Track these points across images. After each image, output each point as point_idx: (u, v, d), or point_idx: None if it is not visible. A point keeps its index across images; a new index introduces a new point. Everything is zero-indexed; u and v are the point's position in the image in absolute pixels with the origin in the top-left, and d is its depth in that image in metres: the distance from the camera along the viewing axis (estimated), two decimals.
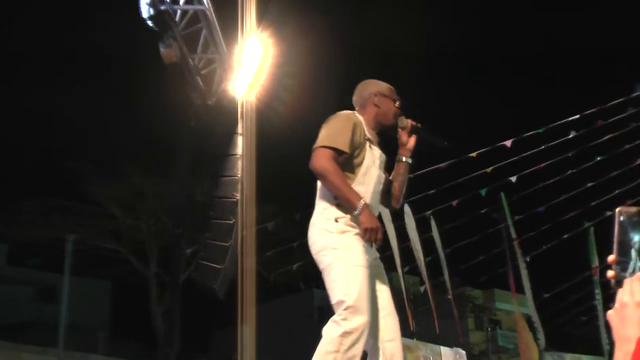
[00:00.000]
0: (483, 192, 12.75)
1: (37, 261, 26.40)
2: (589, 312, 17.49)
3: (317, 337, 3.33)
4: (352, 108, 3.78)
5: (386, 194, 3.73)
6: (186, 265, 17.24)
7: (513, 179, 12.67)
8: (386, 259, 11.93)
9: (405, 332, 12.92)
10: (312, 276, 14.75)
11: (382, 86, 3.80)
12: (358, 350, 3.22)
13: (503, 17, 41.73)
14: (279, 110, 10.13)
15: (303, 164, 3.53)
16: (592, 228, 14.52)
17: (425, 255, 12.16)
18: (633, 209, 1.32)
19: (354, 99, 3.82)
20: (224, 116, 8.91)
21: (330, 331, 3.22)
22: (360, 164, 3.52)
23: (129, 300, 25.97)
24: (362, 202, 3.33)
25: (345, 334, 3.19)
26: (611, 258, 1.31)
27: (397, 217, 11.79)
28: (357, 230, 3.38)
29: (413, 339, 11.28)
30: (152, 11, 8.03)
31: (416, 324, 11.75)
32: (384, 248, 11.69)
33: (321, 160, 3.37)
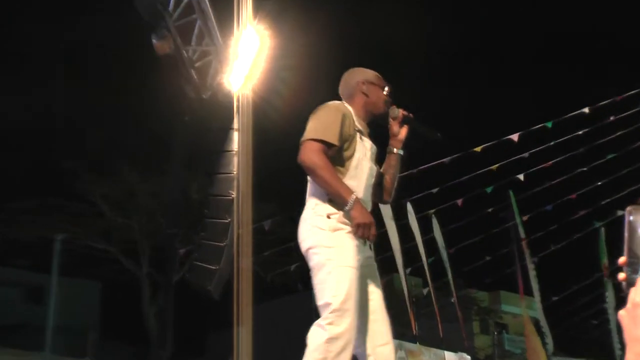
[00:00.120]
0: (489, 189, 12.75)
1: (25, 261, 26.40)
2: (599, 316, 17.49)
3: None
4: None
5: (378, 187, 3.69)
6: (180, 265, 17.30)
7: (520, 176, 12.65)
8: (388, 259, 11.98)
9: (408, 335, 12.96)
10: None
11: (369, 74, 3.77)
12: (346, 356, 3.18)
13: (509, 4, 41.76)
14: (277, 104, 10.14)
15: None
16: (602, 228, 14.53)
17: (429, 255, 12.19)
18: None
19: (340, 89, 3.78)
20: (220, 111, 8.92)
21: (315, 337, 3.18)
22: (351, 157, 3.47)
23: (120, 301, 26.00)
24: (353, 196, 3.29)
25: (331, 339, 3.14)
26: (622, 260, 1.29)
27: (401, 216, 11.83)
28: (350, 228, 3.35)
29: (416, 343, 11.32)
30: (144, 1, 8.04)
31: (419, 328, 11.79)
32: (385, 248, 11.75)
33: (310, 154, 3.34)
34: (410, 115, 3.73)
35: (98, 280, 27.40)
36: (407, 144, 3.76)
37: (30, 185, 21.73)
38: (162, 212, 19.86)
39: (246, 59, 8.22)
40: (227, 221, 8.25)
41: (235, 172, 8.12)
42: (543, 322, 13.78)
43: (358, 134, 3.53)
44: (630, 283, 1.28)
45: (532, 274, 13.72)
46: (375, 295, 3.48)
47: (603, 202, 13.92)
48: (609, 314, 15.59)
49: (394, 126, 3.74)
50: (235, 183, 7.84)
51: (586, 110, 11.91)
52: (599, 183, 13.59)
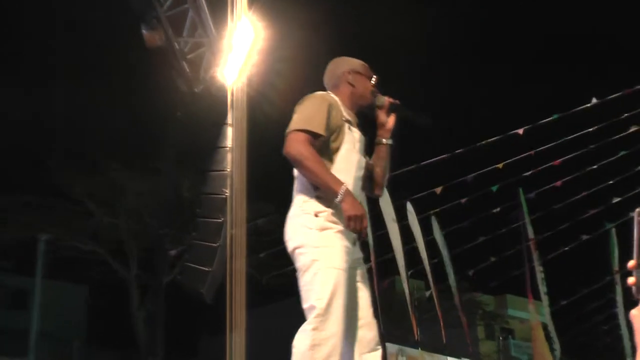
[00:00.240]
0: (494, 188, 12.76)
1: (6, 263, 26.39)
2: (610, 321, 17.51)
3: None
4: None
5: (368, 181, 3.67)
6: (170, 267, 17.32)
7: (527, 175, 12.67)
8: (389, 261, 12.02)
9: (410, 341, 12.99)
10: None
11: (355, 63, 3.76)
12: None
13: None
14: (273, 98, 10.15)
15: None
16: (613, 229, 14.55)
17: (431, 257, 12.21)
18: None
19: (325, 79, 3.77)
20: (213, 105, 8.93)
21: (300, 344, 3.16)
22: (338, 149, 3.45)
23: (108, 304, 26.00)
24: (343, 188, 3.26)
25: (316, 346, 3.11)
26: (631, 263, 1.30)
27: (403, 217, 11.85)
28: (339, 227, 3.32)
29: (418, 348, 11.36)
30: None
31: (421, 332, 11.82)
32: (386, 250, 11.77)
33: (296, 144, 3.31)
34: (397, 101, 3.72)
35: (84, 283, 27.44)
36: (395, 133, 3.73)
37: (12, 182, 21.67)
38: (151, 211, 19.85)
39: (240, 51, 8.23)
40: (220, 221, 8.25)
41: (228, 170, 8.13)
42: (551, 328, 13.81)
43: (346, 124, 3.51)
44: None
45: (540, 276, 13.73)
46: (364, 299, 3.45)
47: (614, 202, 13.92)
48: (619, 319, 15.63)
49: (381, 115, 3.72)
50: (228, 181, 7.85)
51: (594, 100, 11.85)
52: (611, 182, 13.59)
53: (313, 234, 3.30)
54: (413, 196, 12.23)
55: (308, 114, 3.41)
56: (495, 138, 11.95)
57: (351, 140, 3.51)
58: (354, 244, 3.44)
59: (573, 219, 14.18)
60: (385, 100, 3.70)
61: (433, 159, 11.85)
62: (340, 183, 3.27)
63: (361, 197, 3.54)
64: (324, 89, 3.71)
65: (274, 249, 13.67)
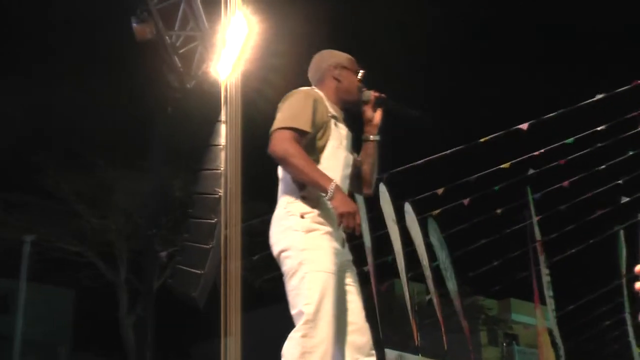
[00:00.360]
0: (497, 188, 12.78)
1: None
2: (618, 326, 17.54)
3: None
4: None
5: (356, 179, 3.68)
6: (161, 270, 17.30)
7: (531, 174, 12.69)
8: (388, 263, 12.05)
9: (410, 347, 13.02)
10: None
11: (341, 57, 3.75)
12: None
13: None
14: (268, 94, 10.17)
15: None
16: (621, 231, 14.58)
17: (432, 260, 12.22)
18: None
19: (310, 73, 3.77)
20: (205, 101, 8.95)
21: (289, 353, 3.15)
22: (324, 146, 3.45)
23: (95, 309, 25.96)
24: (333, 184, 3.24)
25: (306, 354, 3.11)
26: (638, 268, 1.30)
27: (404, 217, 11.87)
28: (326, 229, 3.34)
29: (418, 354, 11.38)
30: None
31: (422, 338, 11.84)
32: (386, 251, 11.79)
33: (281, 143, 3.29)
34: (383, 95, 3.72)
35: (71, 287, 27.40)
36: (382, 128, 3.74)
37: None
38: (141, 211, 19.83)
39: (234, 46, 8.25)
40: (213, 221, 8.28)
41: (222, 168, 8.16)
42: (556, 333, 13.84)
43: (332, 120, 3.51)
44: None
45: (546, 279, 13.75)
46: (355, 303, 3.44)
47: (623, 201, 13.95)
48: (628, 325, 15.67)
49: (368, 111, 3.72)
50: (222, 180, 7.88)
51: (600, 96, 11.84)
52: (619, 181, 13.61)
53: (299, 236, 3.30)
54: (412, 196, 12.25)
55: (292, 111, 3.40)
56: (497, 134, 11.95)
57: (337, 137, 3.51)
58: (342, 245, 3.46)
59: (580, 220, 14.21)
60: (371, 94, 3.70)
61: (434, 156, 11.87)
62: (330, 179, 3.27)
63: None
64: None
65: (268, 251, 13.70)
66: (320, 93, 3.59)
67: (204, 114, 8.98)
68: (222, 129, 8.40)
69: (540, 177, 12.92)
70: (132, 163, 19.49)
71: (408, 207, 11.93)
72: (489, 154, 12.48)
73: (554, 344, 13.78)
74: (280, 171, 3.50)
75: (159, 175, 9.22)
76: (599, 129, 12.45)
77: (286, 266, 3.32)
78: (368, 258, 11.12)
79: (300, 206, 3.35)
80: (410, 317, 11.77)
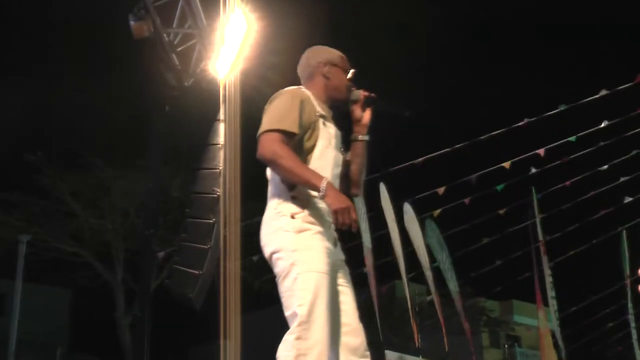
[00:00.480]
0: (500, 188, 12.78)
1: None
2: (621, 328, 17.53)
3: None
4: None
5: (344, 179, 3.65)
6: (158, 271, 17.29)
7: (535, 173, 12.68)
8: (389, 264, 12.05)
9: (411, 348, 13.03)
10: None
11: (332, 54, 3.73)
12: None
13: None
14: (267, 93, 10.17)
15: None
16: (624, 231, 14.56)
17: (433, 261, 12.23)
18: None
19: (299, 69, 3.75)
20: (204, 100, 8.95)
21: (284, 355, 3.15)
22: (313, 147, 3.45)
23: (92, 310, 25.99)
24: (325, 181, 3.22)
25: (300, 356, 3.11)
26: None
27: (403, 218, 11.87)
28: (317, 229, 3.33)
29: (419, 356, 11.39)
30: None
31: (422, 340, 11.84)
32: (386, 252, 11.78)
33: (269, 146, 3.29)
34: (373, 94, 3.70)
35: (67, 287, 27.40)
36: (372, 127, 3.71)
37: None
38: (139, 211, 19.84)
39: (233, 44, 8.25)
40: (211, 221, 8.27)
41: (220, 168, 8.15)
42: (559, 335, 13.84)
43: (321, 120, 3.50)
44: None
45: (549, 280, 13.75)
46: (348, 304, 3.43)
47: (626, 201, 13.95)
48: (631, 327, 15.66)
49: (357, 110, 3.69)
50: (221, 179, 7.87)
51: (603, 92, 11.82)
52: (622, 179, 13.60)
53: (290, 237, 3.30)
54: (412, 196, 12.26)
55: (279, 112, 3.39)
56: (499, 131, 11.94)
57: (326, 137, 3.50)
58: (334, 244, 3.45)
59: (583, 220, 14.21)
60: (360, 94, 3.68)
61: (434, 154, 11.87)
62: (321, 177, 3.25)
63: None
64: None
65: None
66: (308, 92, 3.57)
67: (202, 113, 8.98)
68: (221, 127, 8.39)
69: (542, 176, 12.92)
70: (129, 162, 19.51)
71: (407, 207, 11.93)
72: (490, 153, 12.49)
73: (556, 345, 13.78)
74: (269, 172, 3.50)
75: (157, 175, 9.21)
76: (602, 126, 12.45)
77: (278, 267, 3.32)
78: (368, 259, 11.12)
79: (291, 207, 3.35)
80: (411, 318, 11.77)
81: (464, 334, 13.18)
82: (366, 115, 3.70)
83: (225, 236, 5.70)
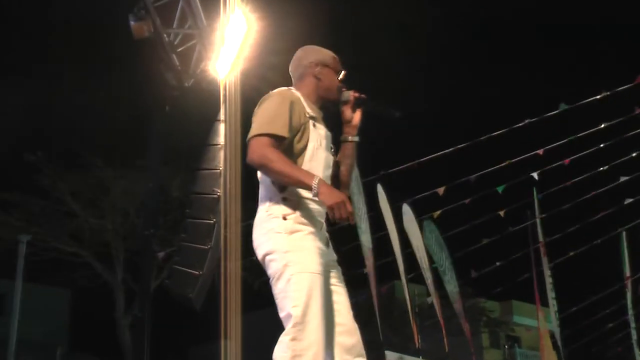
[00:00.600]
0: (500, 189, 12.78)
1: None
2: (621, 329, 17.53)
3: None
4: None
5: (334, 179, 3.64)
6: (158, 271, 17.31)
7: (535, 175, 12.68)
8: (389, 265, 12.05)
9: (411, 349, 13.02)
10: None
11: (324, 54, 3.72)
12: None
13: None
14: (267, 93, 10.16)
15: None
16: (624, 232, 14.56)
17: (432, 262, 12.22)
18: None
19: (291, 68, 3.75)
20: (204, 100, 8.95)
21: (279, 357, 3.16)
22: (304, 148, 3.44)
23: (92, 310, 26.00)
24: (316, 179, 3.22)
25: (296, 357, 3.12)
26: None
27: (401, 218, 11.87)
28: (309, 229, 3.35)
29: (419, 357, 11.39)
30: None
31: (422, 340, 11.84)
32: (385, 253, 11.78)
33: (259, 150, 3.28)
34: (363, 96, 3.69)
35: (67, 287, 27.40)
36: (362, 128, 3.71)
37: None
38: (138, 211, 19.84)
39: (233, 44, 8.25)
40: (211, 222, 8.27)
41: (221, 168, 8.16)
42: (558, 336, 13.84)
43: (311, 121, 3.49)
44: None
45: (549, 281, 13.75)
46: (342, 303, 3.44)
47: (626, 202, 13.95)
48: (631, 328, 15.66)
49: (347, 111, 3.69)
50: (221, 180, 7.88)
51: (603, 93, 11.81)
52: (623, 178, 13.59)
53: (282, 238, 3.31)
54: (412, 197, 12.25)
55: (268, 116, 3.38)
56: (499, 132, 11.95)
57: (317, 138, 3.50)
58: (326, 245, 3.47)
59: (583, 221, 14.21)
60: (351, 95, 3.67)
61: (435, 154, 11.87)
62: (312, 175, 3.26)
63: None
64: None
65: None
66: (297, 94, 3.57)
67: (202, 113, 8.98)
68: (221, 128, 8.40)
69: (543, 177, 12.92)
70: (129, 162, 19.50)
71: (406, 208, 11.93)
72: (490, 154, 12.49)
73: (556, 346, 13.78)
74: (259, 174, 3.50)
75: (157, 175, 9.21)
76: (602, 126, 12.45)
77: (271, 269, 3.33)
78: (369, 259, 11.12)
79: (282, 208, 3.36)
80: (411, 319, 11.77)
81: (464, 334, 13.18)
82: (356, 117, 3.69)
83: (225, 236, 5.71)
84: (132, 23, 8.31)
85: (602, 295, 16.01)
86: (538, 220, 13.60)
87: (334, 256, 3.56)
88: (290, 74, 3.75)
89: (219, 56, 8.44)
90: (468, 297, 21.80)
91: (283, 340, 3.17)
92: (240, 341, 5.36)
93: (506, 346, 30.25)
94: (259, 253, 3.40)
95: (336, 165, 3.66)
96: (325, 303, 3.29)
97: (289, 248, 3.29)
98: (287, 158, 3.31)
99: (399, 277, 11.95)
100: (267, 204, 3.42)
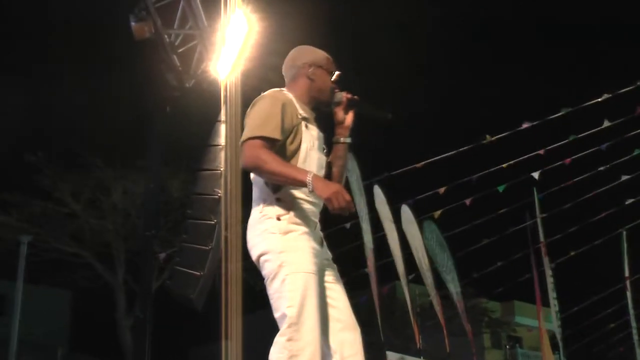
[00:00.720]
0: (501, 188, 12.78)
1: None
2: (623, 329, 17.53)
3: None
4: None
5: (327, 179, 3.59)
6: (159, 272, 17.31)
7: (536, 175, 12.68)
8: (390, 265, 12.05)
9: (412, 349, 13.03)
10: None
11: (318, 55, 3.72)
12: None
13: None
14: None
15: None
16: (624, 232, 14.56)
17: (432, 262, 12.22)
18: None
19: (284, 68, 3.75)
20: (204, 101, 8.96)
21: (276, 358, 3.16)
22: (297, 150, 3.45)
23: (93, 311, 26.01)
24: (310, 175, 3.23)
25: (293, 358, 3.12)
26: None
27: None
28: (303, 229, 3.36)
29: (420, 357, 11.40)
30: None
31: (424, 341, 11.85)
32: (385, 254, 11.79)
33: (251, 152, 3.29)
34: (356, 97, 3.69)
35: (68, 288, 27.40)
36: (354, 129, 3.72)
37: None
38: (139, 212, 19.84)
39: (234, 45, 8.25)
40: (212, 222, 8.28)
41: (222, 169, 8.16)
42: (560, 336, 13.84)
43: (303, 123, 3.50)
44: None
45: (550, 281, 13.75)
46: (340, 300, 3.44)
47: (627, 202, 13.94)
48: (632, 327, 15.66)
49: (339, 112, 3.69)
50: (222, 180, 7.88)
51: (605, 96, 11.83)
52: (623, 177, 13.58)
53: (277, 239, 3.32)
54: (413, 197, 12.26)
55: (260, 118, 3.38)
56: (502, 135, 11.97)
57: (309, 139, 3.50)
58: (321, 244, 3.48)
59: (584, 221, 14.21)
60: (343, 96, 3.68)
61: (437, 157, 11.88)
62: (305, 172, 3.27)
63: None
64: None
65: None
66: (289, 95, 3.57)
67: (203, 114, 8.99)
68: (222, 128, 8.40)
69: (544, 177, 12.92)
70: (129, 163, 19.52)
71: (405, 209, 11.92)
72: (490, 154, 12.49)
73: (557, 346, 13.78)
74: (252, 175, 3.51)
75: (158, 176, 9.22)
76: (603, 126, 12.45)
77: (266, 270, 3.34)
78: (370, 259, 11.12)
79: (276, 209, 3.38)
80: (412, 319, 11.77)
81: (466, 334, 13.19)
82: (348, 118, 3.70)
83: (226, 237, 5.71)
84: (132, 24, 8.32)
85: (604, 295, 16.02)
86: (539, 220, 13.60)
87: (329, 255, 3.57)
88: (283, 74, 3.75)
89: (219, 57, 8.44)
90: (470, 297, 21.81)
91: (279, 341, 3.18)
92: (241, 342, 5.36)
93: (508, 346, 30.24)
94: (254, 254, 3.42)
95: (328, 166, 3.66)
96: (321, 302, 3.29)
97: (283, 248, 3.30)
98: (279, 158, 3.31)
99: (399, 278, 11.95)
100: (261, 205, 3.43)
